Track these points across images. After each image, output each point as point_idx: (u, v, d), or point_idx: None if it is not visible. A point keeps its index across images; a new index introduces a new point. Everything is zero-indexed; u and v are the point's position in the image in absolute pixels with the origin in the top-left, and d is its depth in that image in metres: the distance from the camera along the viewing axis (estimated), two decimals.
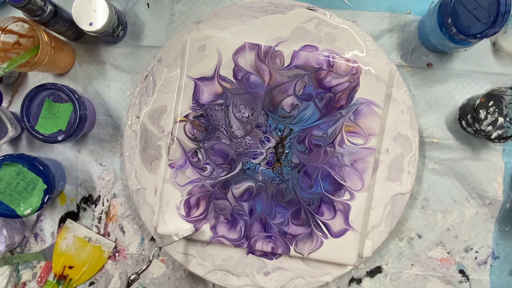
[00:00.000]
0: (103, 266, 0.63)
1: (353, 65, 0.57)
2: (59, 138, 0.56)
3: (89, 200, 0.63)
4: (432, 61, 0.61)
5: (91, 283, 0.64)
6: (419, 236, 0.62)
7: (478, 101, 0.55)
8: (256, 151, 0.58)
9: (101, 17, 0.53)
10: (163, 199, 0.58)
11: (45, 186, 0.55)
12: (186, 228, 0.57)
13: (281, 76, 0.57)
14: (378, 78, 0.57)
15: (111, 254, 0.63)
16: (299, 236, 0.58)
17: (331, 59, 0.57)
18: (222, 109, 0.57)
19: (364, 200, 0.57)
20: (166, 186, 0.58)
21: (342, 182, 0.57)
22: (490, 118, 0.56)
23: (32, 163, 0.55)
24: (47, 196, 0.55)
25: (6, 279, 0.63)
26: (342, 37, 0.58)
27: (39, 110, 0.56)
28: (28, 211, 0.55)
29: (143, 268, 0.53)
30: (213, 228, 0.58)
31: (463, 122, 0.59)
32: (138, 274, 0.52)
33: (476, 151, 0.62)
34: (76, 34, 0.60)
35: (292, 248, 0.58)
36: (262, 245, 0.58)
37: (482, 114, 0.56)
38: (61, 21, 0.54)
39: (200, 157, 0.58)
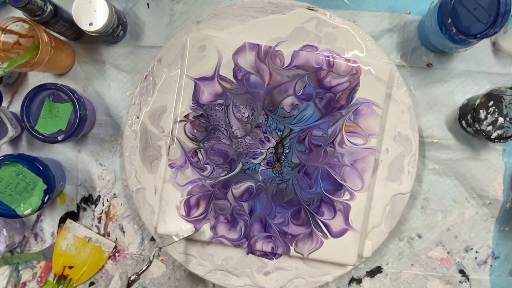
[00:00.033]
0: (103, 266, 0.63)
1: (353, 65, 0.57)
2: (59, 138, 0.56)
3: (89, 200, 0.63)
4: (432, 61, 0.61)
5: (91, 283, 0.64)
6: (419, 236, 0.62)
7: (478, 101, 0.55)
8: (256, 151, 0.58)
9: (101, 17, 0.53)
10: (163, 199, 0.58)
11: (45, 186, 0.55)
12: (187, 228, 0.57)
13: (281, 76, 0.57)
14: (378, 78, 0.57)
15: (111, 254, 0.63)
16: (299, 236, 0.58)
17: (331, 59, 0.57)
18: (222, 109, 0.57)
19: (364, 200, 0.57)
20: (166, 186, 0.58)
21: (342, 182, 0.57)
22: (490, 118, 0.56)
23: (32, 163, 0.55)
24: (47, 196, 0.55)
25: (6, 279, 0.63)
26: (342, 37, 0.58)
27: (39, 110, 0.56)
28: (28, 211, 0.55)
29: (144, 269, 0.53)
30: (213, 228, 0.58)
31: (463, 122, 0.59)
32: (139, 275, 0.52)
33: (476, 151, 0.62)
34: (76, 34, 0.60)
35: (292, 248, 0.58)
36: (262, 245, 0.58)
37: (482, 114, 0.56)
38: (61, 21, 0.54)
39: (200, 157, 0.58)
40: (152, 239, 0.63)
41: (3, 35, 0.54)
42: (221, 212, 0.58)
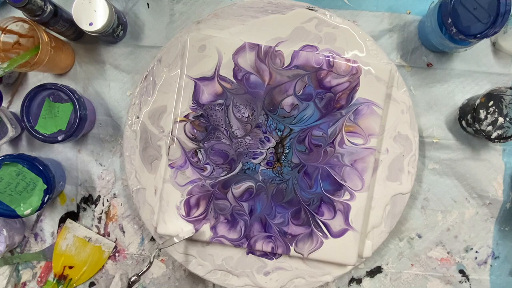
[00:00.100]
0: (103, 266, 0.63)
1: (353, 65, 0.57)
2: (59, 138, 0.56)
3: (89, 200, 0.63)
4: (432, 61, 0.61)
5: (92, 284, 0.64)
6: (419, 236, 0.62)
7: (478, 101, 0.55)
8: (256, 151, 0.58)
9: (101, 17, 0.53)
10: (163, 199, 0.58)
11: (45, 186, 0.55)
12: (187, 229, 0.57)
13: (281, 76, 0.57)
14: (378, 78, 0.57)
15: (111, 254, 0.63)
16: (299, 236, 0.58)
17: (331, 59, 0.57)
18: (222, 109, 0.57)
19: (364, 200, 0.57)
20: (166, 186, 0.58)
21: (342, 182, 0.57)
22: (490, 118, 0.56)
23: (32, 163, 0.55)
24: (47, 196, 0.55)
25: (6, 279, 0.63)
26: (342, 37, 0.58)
27: (39, 110, 0.56)
28: (28, 211, 0.55)
29: (144, 270, 0.52)
30: (213, 228, 0.58)
31: (463, 122, 0.59)
32: (139, 276, 0.52)
33: (476, 151, 0.62)
34: (76, 34, 0.60)
35: (292, 248, 0.58)
36: (262, 245, 0.58)
37: (482, 114, 0.56)
38: (61, 21, 0.54)
39: (200, 157, 0.58)
40: (152, 239, 0.63)
41: (3, 35, 0.54)
42: (221, 212, 0.58)
